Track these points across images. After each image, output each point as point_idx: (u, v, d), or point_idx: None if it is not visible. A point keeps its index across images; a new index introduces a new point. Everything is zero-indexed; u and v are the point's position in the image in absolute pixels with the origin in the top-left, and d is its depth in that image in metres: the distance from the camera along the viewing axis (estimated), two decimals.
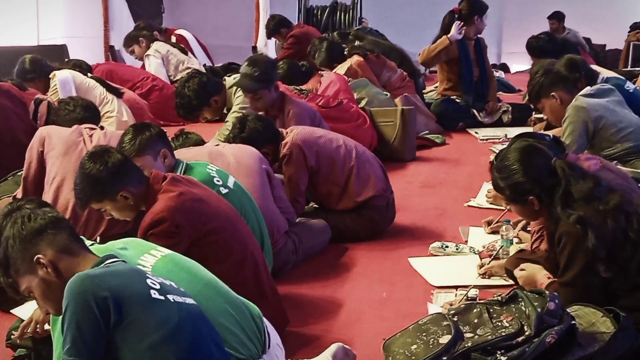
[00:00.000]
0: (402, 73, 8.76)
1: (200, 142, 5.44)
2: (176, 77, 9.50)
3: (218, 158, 4.72)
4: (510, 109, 8.68)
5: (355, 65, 8.30)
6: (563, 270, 3.64)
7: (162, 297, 2.66)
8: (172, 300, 2.69)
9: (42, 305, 2.89)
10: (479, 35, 8.80)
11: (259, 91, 6.03)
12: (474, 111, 8.66)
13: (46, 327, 3.39)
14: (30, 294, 2.88)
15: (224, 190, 4.26)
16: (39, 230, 2.88)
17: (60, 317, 2.61)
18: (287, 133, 5.26)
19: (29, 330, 3.46)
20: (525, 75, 8.25)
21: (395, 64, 8.97)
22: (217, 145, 5.08)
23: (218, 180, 4.31)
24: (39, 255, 2.84)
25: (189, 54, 10.33)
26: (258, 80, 5.99)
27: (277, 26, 10.94)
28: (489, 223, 5.21)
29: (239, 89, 6.55)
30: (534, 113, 8.31)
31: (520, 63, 12.75)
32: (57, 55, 10.07)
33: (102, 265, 2.80)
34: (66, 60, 9.38)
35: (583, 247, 3.53)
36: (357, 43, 9.32)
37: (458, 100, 8.70)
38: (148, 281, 2.70)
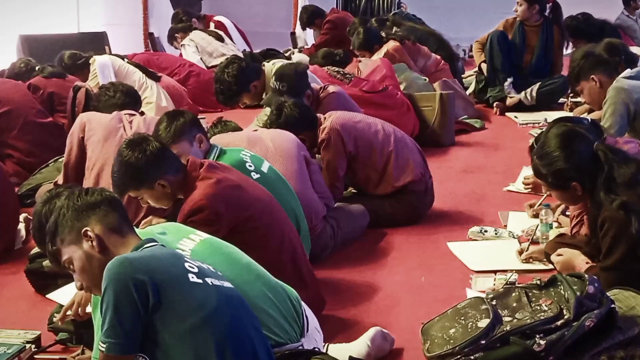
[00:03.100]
0: (436, 58, 8.71)
1: (238, 130, 5.46)
2: (211, 64, 9.54)
3: (257, 143, 4.73)
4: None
5: (392, 50, 8.27)
6: (605, 255, 3.63)
7: (200, 281, 2.68)
8: (211, 284, 2.70)
9: (78, 278, 2.92)
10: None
11: None
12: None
13: (87, 309, 3.42)
14: (70, 265, 2.92)
15: (255, 176, 4.25)
16: (93, 205, 2.92)
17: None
18: (325, 118, 5.26)
19: (70, 313, 3.49)
20: (567, 59, 8.18)
21: (433, 49, 8.92)
22: (256, 130, 5.09)
23: (250, 165, 4.32)
24: (87, 228, 2.88)
25: (226, 40, 10.37)
26: (286, 95, 5.90)
27: (311, 17, 10.99)
28: (531, 206, 5.18)
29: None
30: (569, 97, 8.26)
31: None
32: (97, 43, 10.13)
33: (141, 249, 2.82)
34: (105, 53, 9.46)
35: (626, 232, 3.52)
36: (395, 29, 9.29)
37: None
38: (186, 265, 2.72)
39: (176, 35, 10.54)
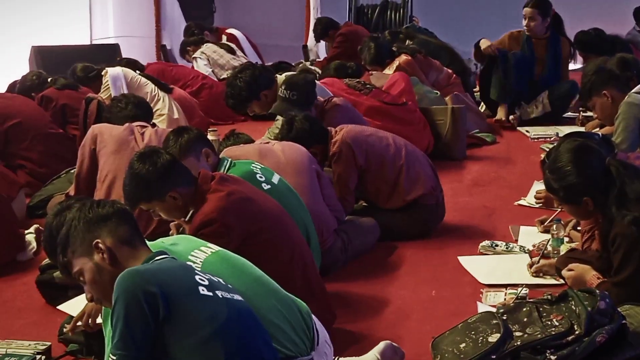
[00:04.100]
0: (448, 72, 8.70)
1: (250, 142, 5.46)
2: (223, 76, 9.57)
3: (268, 155, 4.74)
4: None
5: (404, 64, 8.25)
6: (617, 270, 3.62)
7: (210, 294, 2.68)
8: (221, 297, 2.70)
9: (88, 290, 2.93)
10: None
11: None
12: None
13: (98, 320, 3.42)
14: (80, 277, 2.92)
15: (266, 187, 4.25)
16: (104, 217, 2.93)
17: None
18: (336, 132, 5.26)
19: (81, 323, 3.49)
20: (578, 74, 8.17)
21: (445, 62, 8.91)
22: (267, 143, 5.10)
23: (261, 177, 4.32)
24: (98, 240, 2.88)
25: (238, 52, 10.41)
26: (296, 104, 5.92)
27: (325, 29, 11.02)
28: (542, 222, 5.17)
29: None
30: (580, 112, 8.25)
31: (573, 62, 12.58)
32: (109, 55, 10.17)
33: (152, 261, 2.83)
34: (119, 59, 9.50)
35: (638, 248, 3.52)
36: (407, 42, 9.29)
37: None
38: (197, 277, 2.72)
39: (188, 48, 10.62)
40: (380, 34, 10.32)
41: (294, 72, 7.50)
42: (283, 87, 5.89)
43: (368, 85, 7.14)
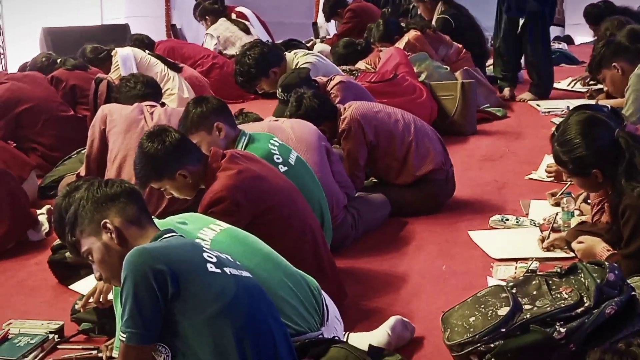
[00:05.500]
0: (457, 47, 8.66)
1: (259, 121, 5.46)
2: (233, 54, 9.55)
3: (278, 133, 4.72)
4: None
5: (413, 40, 8.24)
6: (626, 242, 3.62)
7: (218, 270, 2.69)
8: (229, 273, 2.72)
9: (97, 269, 2.94)
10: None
11: None
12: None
13: (109, 297, 3.44)
14: (89, 256, 2.93)
15: (283, 169, 4.24)
16: (112, 197, 2.93)
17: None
18: (345, 109, 5.25)
19: (92, 300, 3.52)
20: (590, 47, 8.13)
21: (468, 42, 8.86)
22: (277, 120, 5.10)
23: (278, 158, 4.30)
24: (106, 220, 2.89)
25: (252, 32, 10.35)
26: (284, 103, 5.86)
27: (334, 8, 11.03)
28: (553, 195, 5.17)
29: (299, 60, 6.57)
30: (589, 84, 8.22)
31: (584, 35, 12.51)
32: (119, 35, 10.15)
33: (160, 239, 2.84)
34: (129, 35, 9.50)
35: None
36: (441, 9, 9.20)
37: None
38: (204, 255, 2.73)
39: (207, 16, 10.51)
40: (388, 10, 10.28)
41: (304, 50, 7.47)
42: (280, 90, 5.86)
43: (354, 71, 7.18)
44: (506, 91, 8.56)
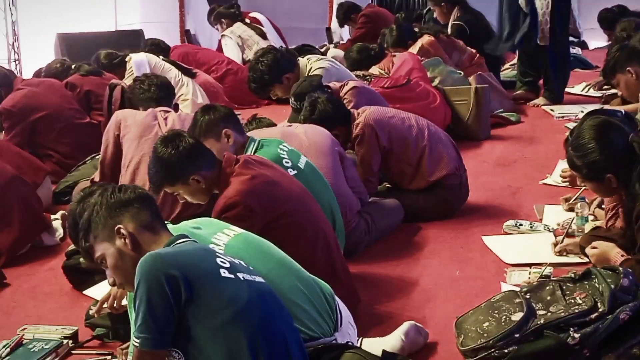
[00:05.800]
0: (471, 52, 8.66)
1: (273, 126, 5.46)
2: (249, 58, 9.55)
3: (291, 138, 4.72)
4: None
5: (427, 45, 8.24)
6: None
7: (231, 276, 2.69)
8: (242, 279, 2.72)
9: (111, 274, 2.95)
10: None
11: None
12: None
13: (123, 302, 3.45)
14: (102, 261, 2.94)
15: (292, 172, 4.23)
16: (126, 202, 2.94)
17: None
18: (358, 114, 5.26)
19: (106, 306, 3.52)
20: (604, 52, 8.11)
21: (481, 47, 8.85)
22: (290, 125, 5.11)
23: (287, 162, 4.30)
24: (120, 226, 2.90)
25: (269, 37, 10.36)
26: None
27: (347, 14, 11.05)
28: (567, 200, 5.15)
29: (313, 66, 6.57)
30: (604, 89, 8.19)
31: (598, 40, 12.50)
32: (134, 41, 10.18)
33: (173, 244, 2.85)
34: (145, 40, 9.52)
35: None
36: (456, 13, 9.21)
37: None
38: (218, 260, 2.73)
39: (222, 20, 10.52)
40: (401, 15, 10.29)
41: (317, 55, 7.48)
42: (293, 98, 5.87)
43: (367, 76, 7.17)
44: (521, 92, 8.54)
